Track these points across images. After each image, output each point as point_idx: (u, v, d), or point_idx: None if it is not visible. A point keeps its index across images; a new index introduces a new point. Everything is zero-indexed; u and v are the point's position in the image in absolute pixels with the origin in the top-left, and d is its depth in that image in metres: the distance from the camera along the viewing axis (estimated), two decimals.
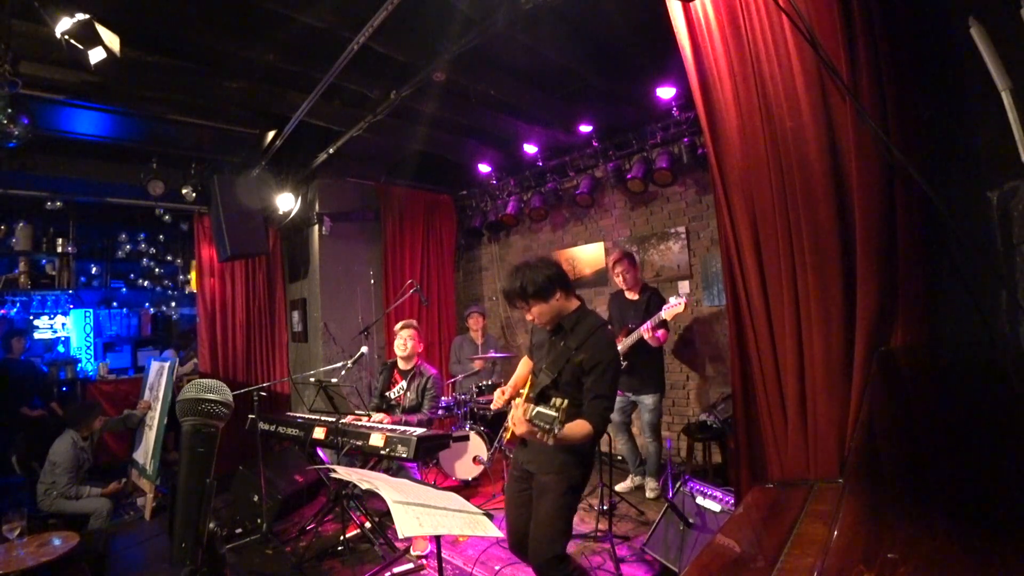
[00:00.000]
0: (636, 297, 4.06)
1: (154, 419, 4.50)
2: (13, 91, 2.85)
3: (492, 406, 2.35)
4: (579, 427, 1.98)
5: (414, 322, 4.11)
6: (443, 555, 2.60)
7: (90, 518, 3.71)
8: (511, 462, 2.37)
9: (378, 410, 3.89)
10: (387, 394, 4.04)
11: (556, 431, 1.75)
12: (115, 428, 4.60)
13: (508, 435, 2.36)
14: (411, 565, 3.13)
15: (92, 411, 4.18)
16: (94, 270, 6.94)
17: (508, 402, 2.34)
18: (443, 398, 4.79)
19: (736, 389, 2.26)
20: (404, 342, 3.95)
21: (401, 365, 4.01)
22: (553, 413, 1.76)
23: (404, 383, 3.97)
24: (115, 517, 4.08)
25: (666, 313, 3.69)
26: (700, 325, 4.75)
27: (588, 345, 2.08)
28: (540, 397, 2.06)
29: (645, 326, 3.77)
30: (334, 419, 3.48)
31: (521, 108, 4.59)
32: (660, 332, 3.81)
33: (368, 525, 3.46)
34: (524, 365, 2.49)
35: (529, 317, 2.22)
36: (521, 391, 2.38)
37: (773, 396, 2.07)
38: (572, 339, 2.12)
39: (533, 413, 1.80)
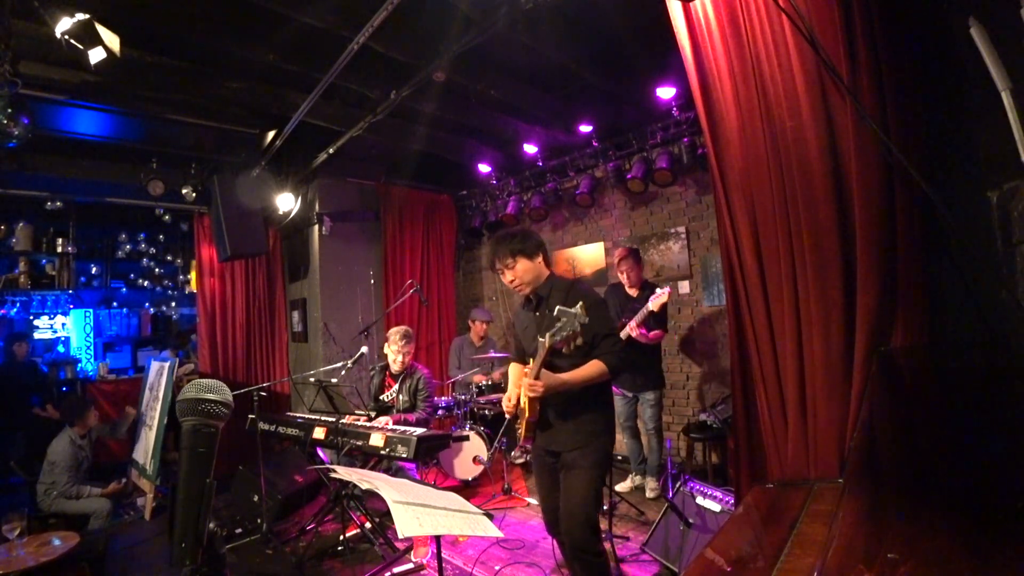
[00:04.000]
0: (636, 293, 4.06)
1: (154, 419, 4.50)
2: (13, 91, 2.84)
3: (506, 414, 2.33)
4: (592, 366, 2.10)
5: (412, 332, 4.01)
6: (443, 555, 2.60)
7: (90, 518, 3.71)
8: (533, 450, 2.38)
9: (377, 412, 3.89)
10: (381, 397, 4.05)
11: (583, 321, 1.86)
12: (106, 435, 4.57)
13: (523, 429, 2.29)
14: (411, 565, 3.13)
15: (85, 405, 4.18)
16: (94, 270, 6.94)
17: (518, 403, 2.27)
18: (443, 398, 4.79)
19: (736, 389, 2.26)
20: (400, 358, 3.90)
21: (392, 368, 4.02)
22: (573, 310, 1.85)
23: (396, 386, 3.98)
24: (115, 517, 4.08)
25: (653, 304, 3.71)
26: (700, 325, 4.75)
27: (570, 301, 2.13)
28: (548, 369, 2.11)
29: (631, 323, 3.77)
30: (334, 419, 3.49)
31: (521, 108, 4.59)
32: (653, 332, 3.82)
33: (368, 525, 3.47)
34: (515, 369, 2.48)
35: (509, 278, 2.28)
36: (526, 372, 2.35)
37: (773, 396, 2.07)
38: (553, 302, 2.18)
39: (555, 327, 1.89)
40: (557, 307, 1.90)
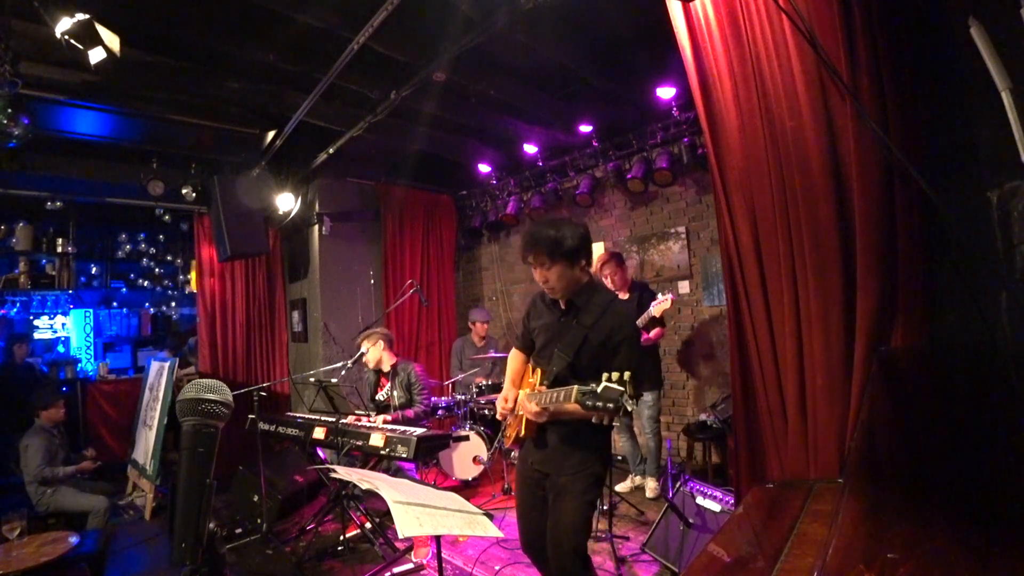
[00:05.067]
0: (627, 296, 4.06)
1: (154, 419, 4.51)
2: (13, 91, 2.84)
3: (498, 415, 2.17)
4: None
5: (374, 331, 4.07)
6: (443, 555, 2.60)
7: (88, 517, 3.70)
8: (519, 462, 2.18)
9: (379, 414, 3.90)
10: (377, 397, 4.06)
11: (628, 406, 1.55)
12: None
13: (512, 433, 2.11)
14: (411, 565, 3.13)
15: (55, 396, 4.17)
16: (94, 270, 6.94)
17: (514, 407, 2.13)
18: (443, 398, 4.79)
19: (736, 389, 2.26)
20: (369, 357, 3.96)
21: (383, 367, 4.03)
22: (619, 387, 1.55)
23: (389, 384, 3.99)
24: (115, 517, 4.07)
25: (655, 310, 3.71)
26: (700, 325, 4.75)
27: (606, 321, 1.93)
28: (555, 384, 1.91)
29: None
30: (334, 419, 3.49)
31: (521, 108, 4.59)
32: (654, 331, 3.82)
33: (368, 525, 3.47)
34: (516, 358, 2.26)
35: (541, 278, 1.98)
36: (531, 382, 2.12)
37: (773, 396, 2.07)
38: (586, 316, 1.95)
39: (593, 390, 1.58)
40: (604, 384, 1.59)
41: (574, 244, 1.93)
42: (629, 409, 1.57)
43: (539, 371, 2.06)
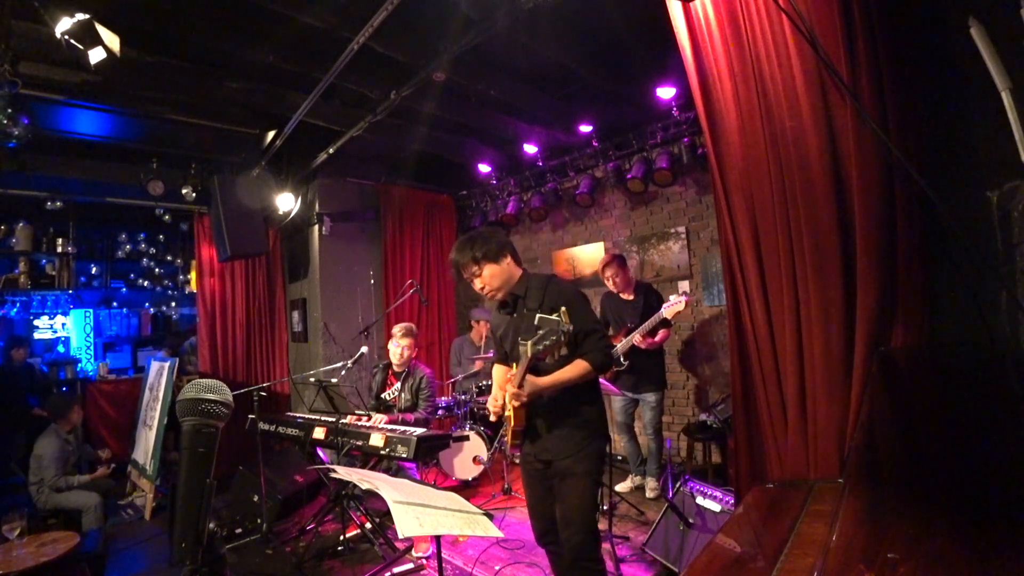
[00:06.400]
0: (631, 297, 4.05)
1: (154, 419, 4.51)
2: (13, 91, 2.85)
3: (491, 418, 2.24)
4: (576, 366, 2.02)
5: (414, 328, 4.07)
6: (443, 555, 2.60)
7: (83, 515, 3.70)
8: (521, 459, 2.28)
9: (376, 411, 3.90)
10: (383, 396, 4.05)
11: (566, 329, 1.77)
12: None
13: (509, 435, 2.19)
14: (411, 565, 3.13)
15: (70, 402, 4.20)
16: (94, 270, 6.94)
17: (503, 406, 2.19)
18: (443, 398, 4.79)
19: (736, 389, 2.26)
20: (401, 351, 3.93)
21: (395, 367, 4.02)
22: (555, 317, 1.77)
23: (398, 384, 3.98)
24: (115, 517, 4.07)
25: (667, 312, 3.68)
26: (700, 325, 4.75)
27: (549, 297, 2.09)
28: (530, 370, 2.00)
29: (636, 335, 3.75)
30: (334, 419, 3.49)
31: (521, 108, 4.59)
32: (660, 333, 3.81)
33: (368, 525, 3.46)
34: (499, 370, 2.39)
35: (479, 285, 2.19)
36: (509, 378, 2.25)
37: (773, 396, 2.07)
38: (531, 301, 2.12)
39: (537, 336, 1.78)
40: (538, 316, 1.82)
41: (491, 245, 2.16)
42: (568, 330, 1.82)
43: (514, 365, 2.15)
